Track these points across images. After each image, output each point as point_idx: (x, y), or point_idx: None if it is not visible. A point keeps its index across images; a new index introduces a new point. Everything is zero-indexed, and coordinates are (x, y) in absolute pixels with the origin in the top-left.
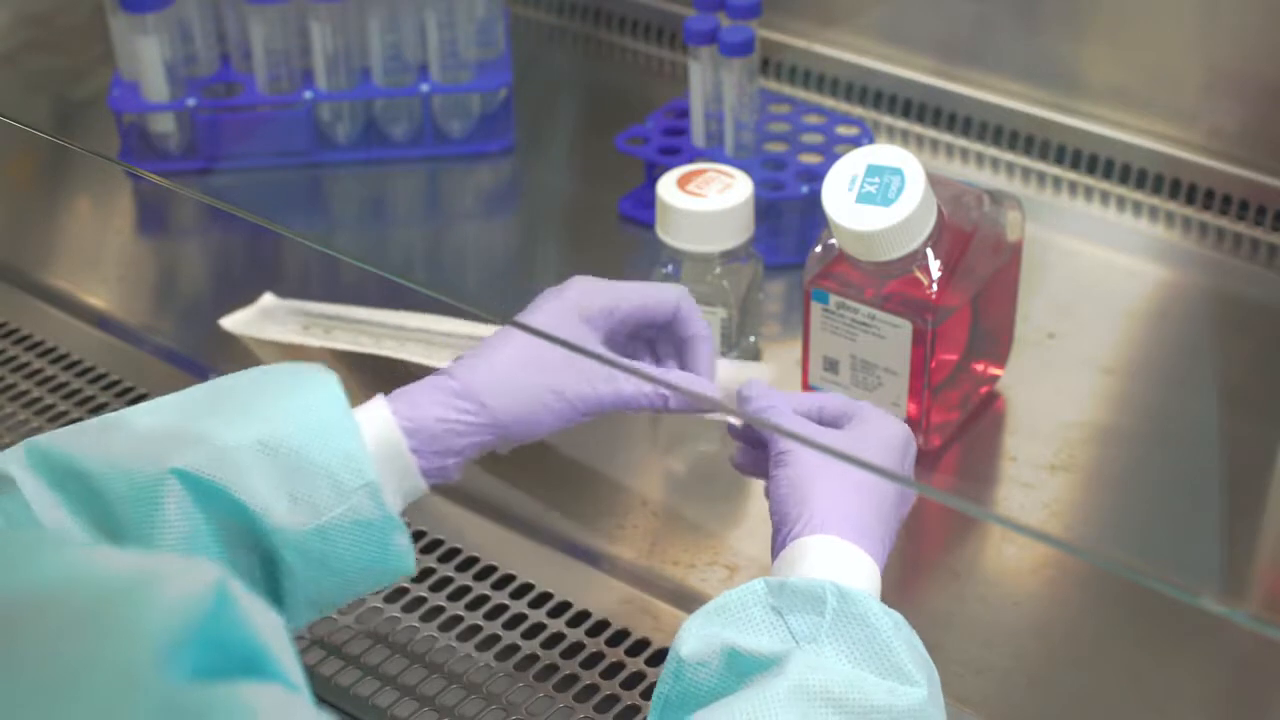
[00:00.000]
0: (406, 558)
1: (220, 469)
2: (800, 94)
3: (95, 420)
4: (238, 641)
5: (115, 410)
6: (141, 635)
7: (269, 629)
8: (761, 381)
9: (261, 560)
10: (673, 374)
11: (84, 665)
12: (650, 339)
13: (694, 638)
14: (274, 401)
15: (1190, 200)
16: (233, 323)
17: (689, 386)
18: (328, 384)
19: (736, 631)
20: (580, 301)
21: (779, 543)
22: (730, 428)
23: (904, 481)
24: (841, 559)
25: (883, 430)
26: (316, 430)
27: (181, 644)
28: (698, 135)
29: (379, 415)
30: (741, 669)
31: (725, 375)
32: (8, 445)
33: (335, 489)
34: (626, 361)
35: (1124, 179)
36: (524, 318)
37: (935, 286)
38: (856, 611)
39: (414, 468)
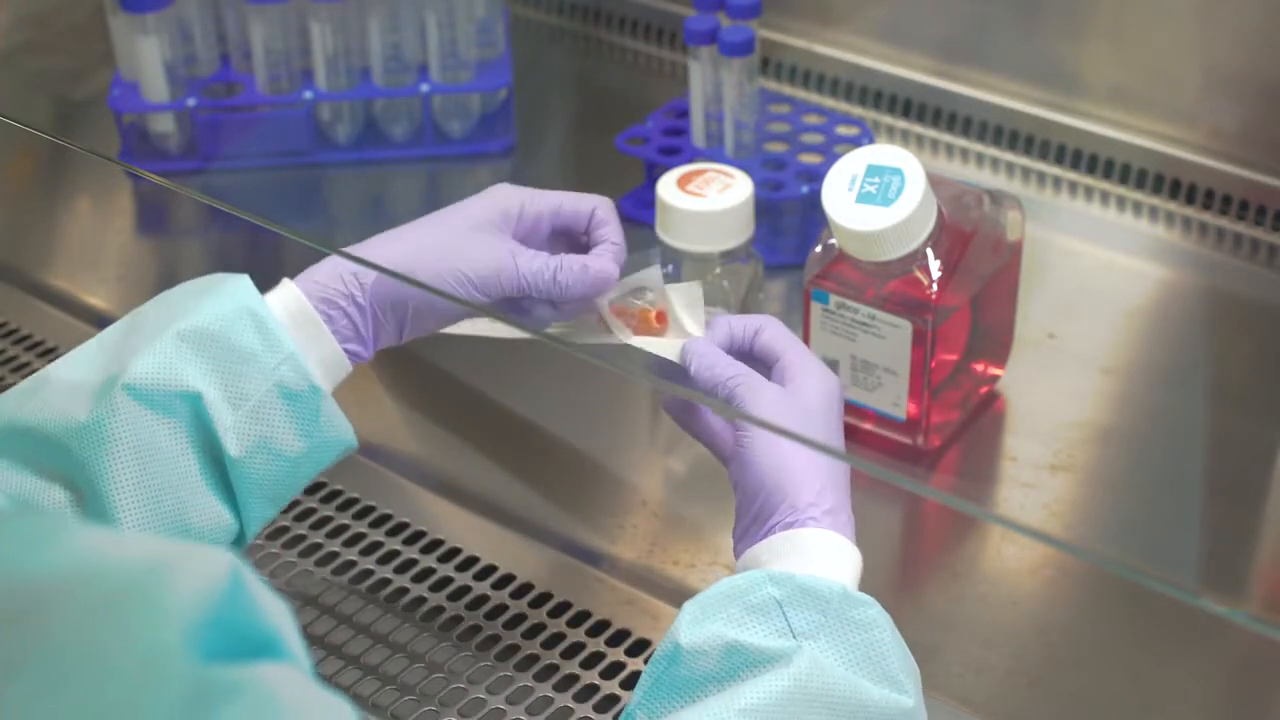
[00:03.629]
0: (343, 428)
1: (157, 373)
2: (800, 94)
3: (24, 382)
4: (252, 624)
5: None
6: (168, 617)
7: (278, 612)
8: (702, 340)
9: (212, 459)
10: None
11: (114, 646)
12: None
13: (694, 625)
14: (192, 304)
15: (1190, 200)
16: None
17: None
18: (238, 280)
19: (738, 622)
20: (497, 199)
21: (762, 529)
22: (667, 404)
23: (904, 481)
24: (834, 554)
25: (820, 386)
26: (233, 317)
27: (204, 626)
28: (698, 135)
29: (286, 291)
30: (740, 661)
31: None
32: None
33: (259, 368)
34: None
35: (1124, 179)
36: (439, 215)
37: (935, 286)
38: (859, 617)
39: (325, 330)
